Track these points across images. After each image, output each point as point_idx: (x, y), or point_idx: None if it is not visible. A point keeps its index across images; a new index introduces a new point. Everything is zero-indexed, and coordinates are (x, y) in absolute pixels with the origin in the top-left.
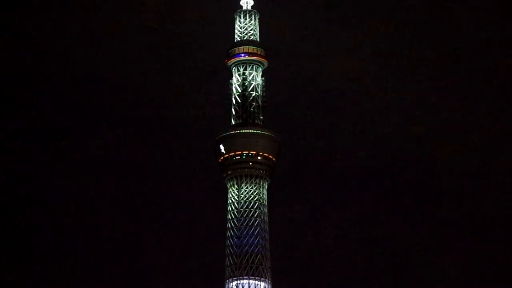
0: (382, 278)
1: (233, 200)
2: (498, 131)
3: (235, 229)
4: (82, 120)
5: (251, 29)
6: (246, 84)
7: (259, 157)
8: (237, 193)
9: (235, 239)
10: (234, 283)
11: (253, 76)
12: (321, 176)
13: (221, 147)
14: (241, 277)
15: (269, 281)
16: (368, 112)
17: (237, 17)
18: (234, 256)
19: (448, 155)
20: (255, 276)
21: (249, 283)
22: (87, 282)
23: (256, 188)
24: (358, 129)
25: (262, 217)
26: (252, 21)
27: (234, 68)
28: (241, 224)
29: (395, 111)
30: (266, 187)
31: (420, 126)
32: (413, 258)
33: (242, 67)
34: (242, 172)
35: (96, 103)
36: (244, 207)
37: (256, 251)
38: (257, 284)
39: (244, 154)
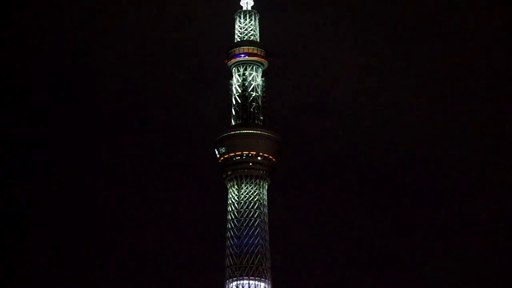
0: (382, 278)
1: (233, 201)
2: (500, 131)
3: (235, 230)
4: (82, 121)
5: (251, 30)
6: (246, 84)
7: (259, 158)
8: (237, 194)
9: (235, 240)
10: (234, 283)
11: (253, 77)
12: (321, 176)
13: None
14: (241, 278)
15: (269, 282)
16: (368, 113)
17: (237, 17)
18: (234, 256)
19: (449, 155)
20: (255, 277)
21: (249, 283)
22: (85, 282)
23: (256, 189)
24: (358, 130)
25: (262, 218)
26: (252, 22)
27: (234, 68)
28: (241, 225)
29: (395, 112)
30: (266, 188)
31: (420, 127)
32: (413, 258)
33: (242, 67)
34: (242, 172)
35: (96, 104)
36: (244, 207)
37: (256, 251)
38: (257, 285)
39: (244, 155)
